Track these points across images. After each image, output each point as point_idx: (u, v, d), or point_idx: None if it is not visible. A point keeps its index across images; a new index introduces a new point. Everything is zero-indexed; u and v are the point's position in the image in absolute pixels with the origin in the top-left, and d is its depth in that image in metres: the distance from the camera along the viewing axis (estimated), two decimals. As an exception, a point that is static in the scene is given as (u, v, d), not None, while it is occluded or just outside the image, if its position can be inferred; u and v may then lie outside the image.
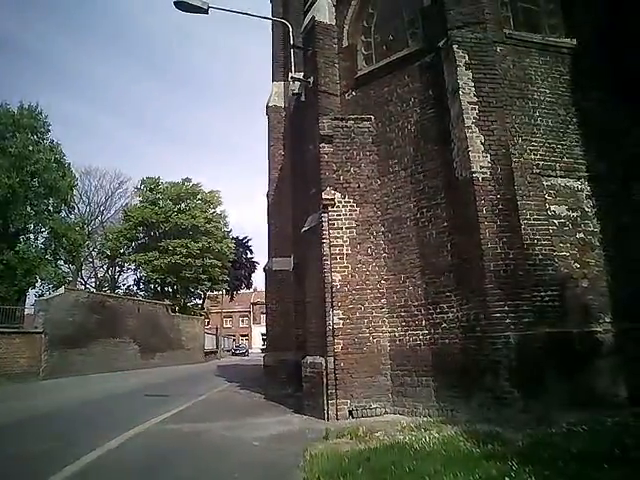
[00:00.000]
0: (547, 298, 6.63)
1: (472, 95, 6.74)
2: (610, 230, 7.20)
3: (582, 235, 7.14)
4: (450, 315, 6.79)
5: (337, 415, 6.92)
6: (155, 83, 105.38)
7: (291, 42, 9.80)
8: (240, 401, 10.22)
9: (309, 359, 7.77)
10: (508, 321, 6.04)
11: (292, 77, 9.50)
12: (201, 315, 38.55)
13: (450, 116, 6.96)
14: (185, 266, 33.01)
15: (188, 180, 37.07)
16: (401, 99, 7.90)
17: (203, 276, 34.92)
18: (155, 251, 33.13)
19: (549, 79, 7.65)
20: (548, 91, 7.57)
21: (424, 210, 7.35)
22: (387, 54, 8.47)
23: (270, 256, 12.67)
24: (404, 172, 7.67)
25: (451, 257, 6.92)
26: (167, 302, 30.73)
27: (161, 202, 35.32)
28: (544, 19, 8.15)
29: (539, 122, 7.37)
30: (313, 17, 8.95)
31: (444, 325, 6.83)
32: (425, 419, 6.41)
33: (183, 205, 35.72)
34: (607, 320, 6.81)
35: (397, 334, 7.31)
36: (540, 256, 6.76)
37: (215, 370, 22.35)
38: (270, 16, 12.90)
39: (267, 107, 13.11)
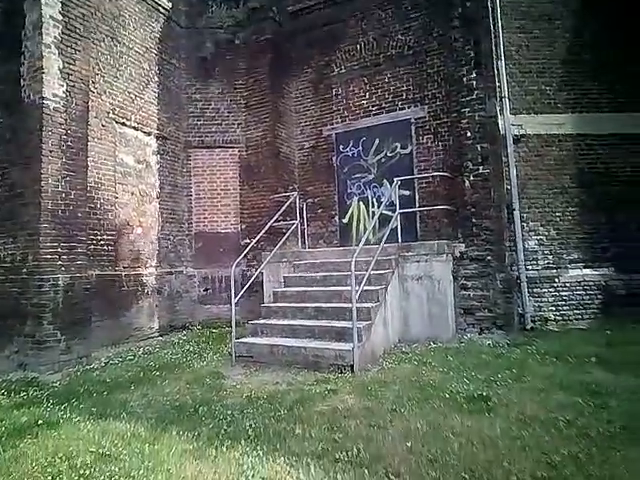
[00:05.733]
0: (102, 242, 6.89)
1: (58, 11, 5.92)
2: (166, 186, 8.24)
3: (144, 187, 7.80)
4: (-9, 255, 5.90)
5: None
6: None
7: None
8: None
9: None
10: (60, 263, 5.88)
11: None
12: None
13: (25, 24, 5.87)
14: None
15: None
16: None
17: None
18: None
19: (141, 30, 7.76)
20: (138, 41, 7.68)
21: (-29, 126, 5.95)
22: None
23: None
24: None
25: (1, 189, 5.97)
26: None
27: None
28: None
29: (124, 69, 7.38)
30: None
31: (-19, 266, 5.88)
32: None
33: None
34: (153, 264, 7.85)
35: None
36: (102, 200, 6.92)
37: None
38: None
39: None
